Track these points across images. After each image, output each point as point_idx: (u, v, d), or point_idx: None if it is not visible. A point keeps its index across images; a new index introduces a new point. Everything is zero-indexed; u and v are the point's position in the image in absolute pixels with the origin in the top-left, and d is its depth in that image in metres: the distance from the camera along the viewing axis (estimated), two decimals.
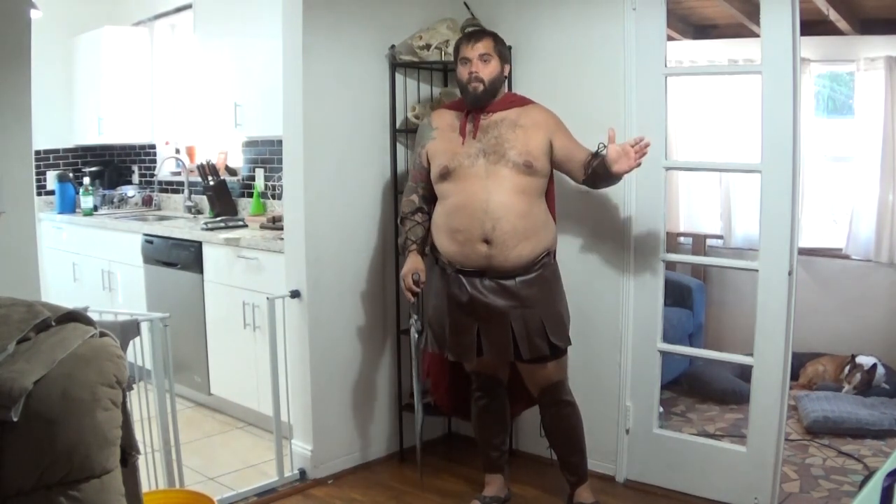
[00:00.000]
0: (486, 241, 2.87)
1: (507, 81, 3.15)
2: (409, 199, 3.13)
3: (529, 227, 2.90)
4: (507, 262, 2.89)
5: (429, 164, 3.07)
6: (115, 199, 5.81)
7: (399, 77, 3.65)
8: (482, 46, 2.97)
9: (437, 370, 3.34)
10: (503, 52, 3.04)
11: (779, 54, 2.92)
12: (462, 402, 3.34)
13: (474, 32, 3.08)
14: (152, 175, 5.85)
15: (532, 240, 2.90)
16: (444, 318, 3.03)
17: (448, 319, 3.01)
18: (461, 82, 3.01)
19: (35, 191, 3.00)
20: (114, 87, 5.49)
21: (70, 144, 5.89)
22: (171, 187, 5.77)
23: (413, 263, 3.05)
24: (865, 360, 4.46)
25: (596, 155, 2.88)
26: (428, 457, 3.76)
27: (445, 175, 2.96)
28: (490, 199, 2.87)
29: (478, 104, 3.00)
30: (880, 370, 4.42)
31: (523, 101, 3.08)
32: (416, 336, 3.05)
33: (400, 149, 3.69)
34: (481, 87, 2.96)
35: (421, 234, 3.09)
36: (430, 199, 3.11)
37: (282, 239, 3.68)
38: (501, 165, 2.90)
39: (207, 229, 4.39)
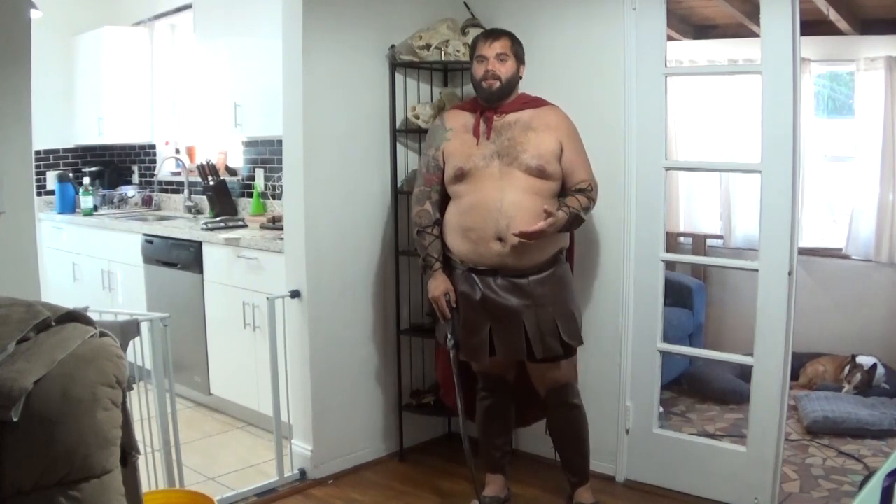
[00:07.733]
0: (500, 240, 2.86)
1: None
2: (424, 209, 3.05)
3: None
4: (521, 260, 2.88)
5: (444, 164, 3.03)
6: (115, 199, 5.80)
7: (399, 77, 3.65)
8: (499, 46, 2.96)
9: (445, 368, 3.27)
10: (519, 53, 3.02)
11: (779, 54, 2.92)
12: (469, 402, 3.30)
13: (492, 31, 3.05)
14: (152, 175, 5.85)
15: (546, 238, 2.88)
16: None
17: (460, 319, 2.99)
18: (475, 79, 2.99)
19: (35, 191, 2.98)
20: (114, 87, 5.49)
21: (70, 144, 5.89)
22: (171, 187, 5.77)
23: (443, 284, 2.99)
24: (865, 360, 4.46)
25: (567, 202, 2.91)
26: (428, 457, 3.76)
27: (460, 176, 2.94)
28: (504, 199, 2.85)
29: (491, 101, 2.98)
30: (880, 370, 4.42)
31: (537, 103, 3.04)
32: (453, 353, 3.02)
33: (400, 149, 3.69)
34: (497, 84, 2.95)
35: (440, 248, 3.03)
36: (443, 203, 3.06)
37: (282, 239, 3.68)
38: (515, 168, 2.88)
39: (207, 229, 4.39)
